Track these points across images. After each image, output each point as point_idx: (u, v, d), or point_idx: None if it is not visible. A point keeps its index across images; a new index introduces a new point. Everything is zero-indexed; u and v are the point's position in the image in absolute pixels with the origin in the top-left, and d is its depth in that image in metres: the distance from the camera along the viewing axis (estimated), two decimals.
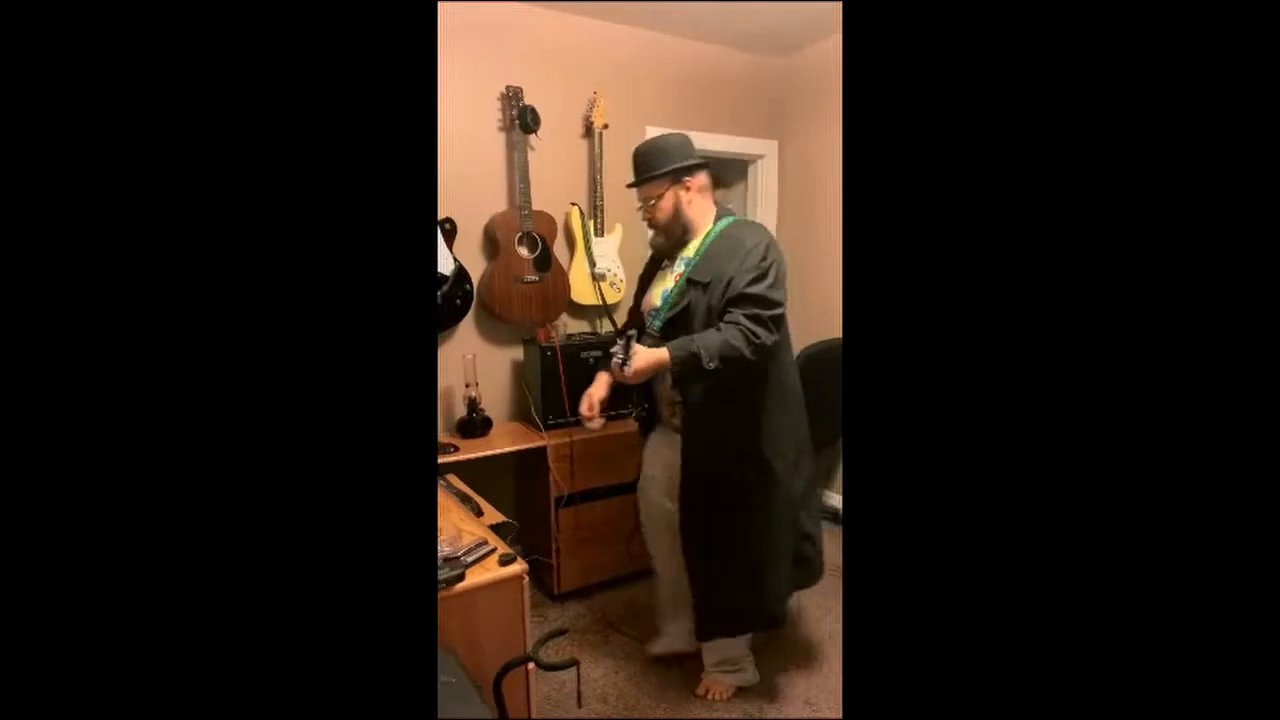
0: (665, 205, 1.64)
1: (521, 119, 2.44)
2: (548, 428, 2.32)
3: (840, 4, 2.11)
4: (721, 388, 1.56)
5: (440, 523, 1.57)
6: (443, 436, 2.39)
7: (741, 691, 1.89)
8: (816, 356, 2.73)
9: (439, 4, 2.29)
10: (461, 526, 1.55)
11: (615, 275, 2.68)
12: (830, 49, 2.96)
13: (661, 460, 1.76)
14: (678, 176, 1.63)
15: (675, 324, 1.60)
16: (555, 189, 2.62)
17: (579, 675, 1.87)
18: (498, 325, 2.55)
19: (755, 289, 1.52)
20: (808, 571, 1.82)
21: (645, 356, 1.48)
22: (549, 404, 2.33)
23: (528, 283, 2.48)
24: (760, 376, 1.62)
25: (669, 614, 1.98)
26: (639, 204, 1.72)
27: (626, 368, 1.43)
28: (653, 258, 1.81)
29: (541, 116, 2.48)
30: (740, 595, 1.70)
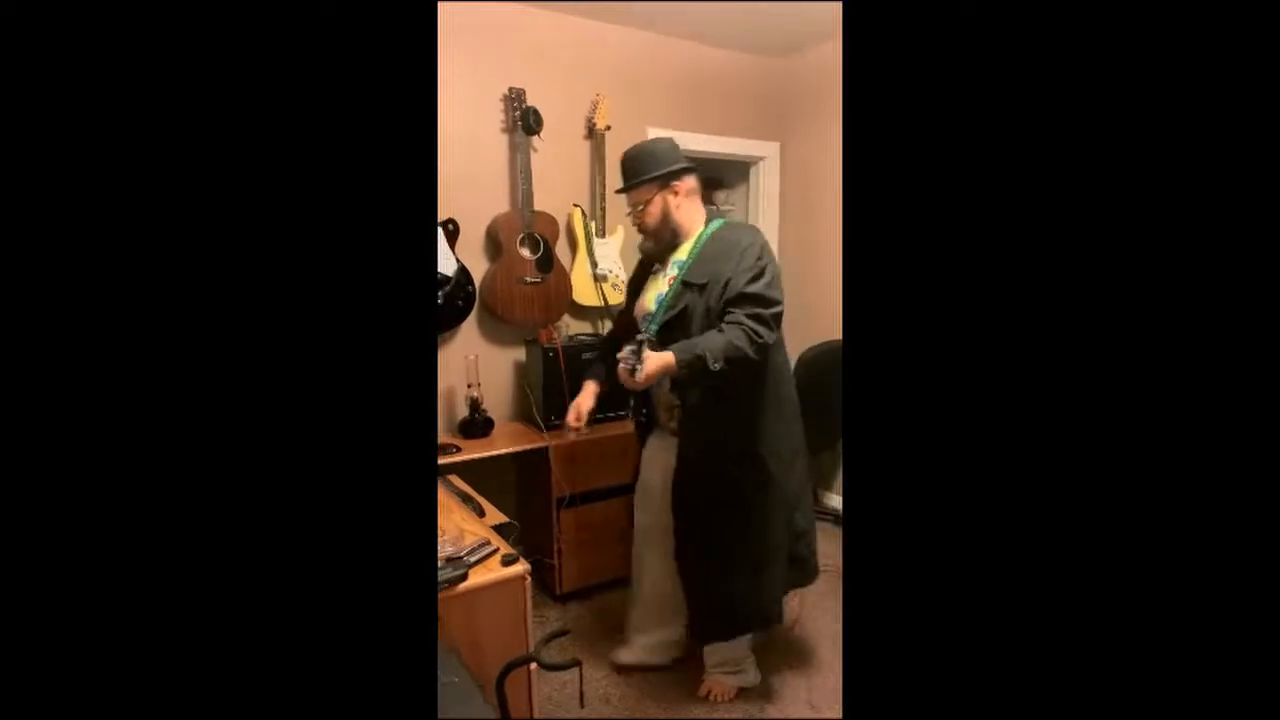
0: (654, 210, 1.65)
1: (524, 120, 2.44)
2: (549, 428, 2.32)
3: (841, 6, 2.11)
4: (720, 389, 1.56)
5: (443, 523, 1.57)
6: (445, 437, 2.39)
7: (743, 692, 1.89)
8: (818, 358, 2.74)
9: (441, 5, 2.30)
10: (464, 527, 1.55)
11: (617, 276, 2.68)
12: (832, 51, 2.96)
13: (660, 465, 1.76)
14: (665, 181, 1.64)
15: (672, 327, 1.60)
16: (557, 190, 2.62)
17: (581, 676, 1.87)
18: (500, 326, 2.55)
19: (754, 288, 1.53)
20: (803, 571, 1.82)
21: (654, 361, 1.48)
22: (551, 405, 2.34)
23: (530, 284, 2.49)
24: (757, 377, 1.62)
25: (643, 625, 1.97)
26: (628, 209, 1.73)
27: (638, 373, 1.41)
28: (642, 263, 1.81)
29: (544, 118, 2.49)
30: (738, 596, 1.70)
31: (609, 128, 2.66)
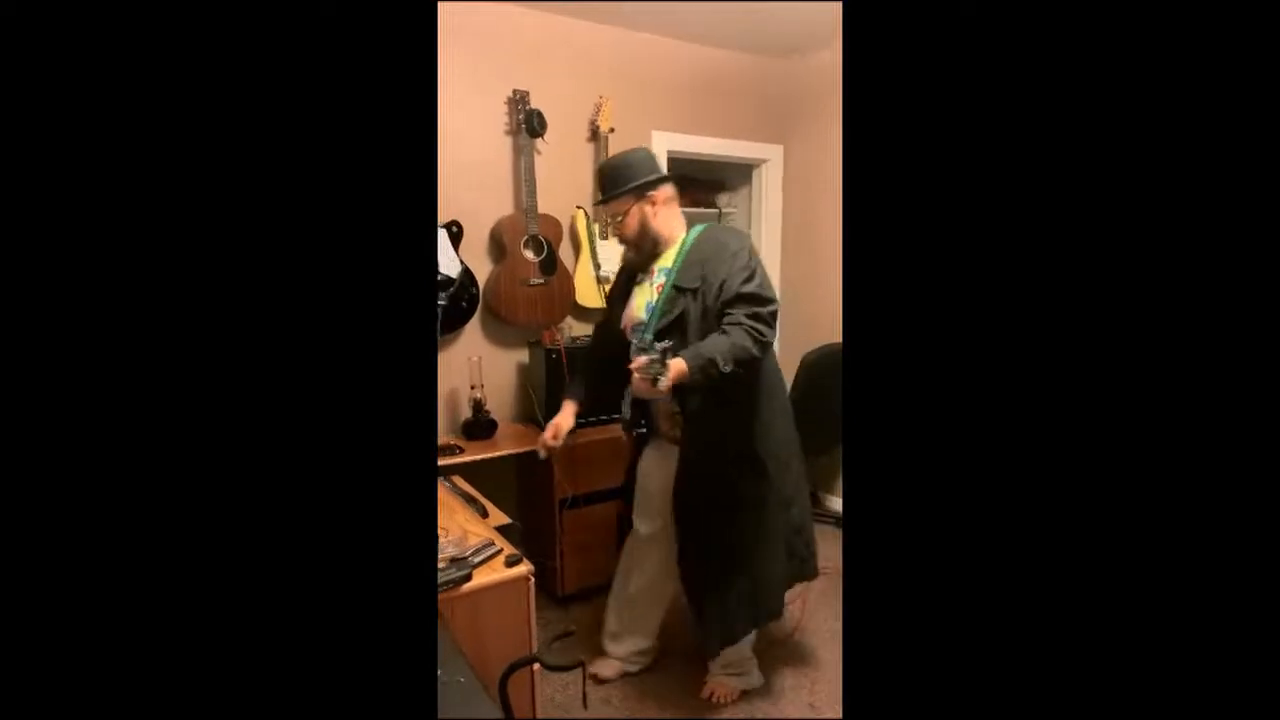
0: (632, 221, 1.65)
1: (528, 123, 2.45)
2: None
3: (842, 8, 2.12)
4: (720, 392, 1.56)
5: (447, 524, 1.58)
6: (448, 438, 2.40)
7: (745, 694, 1.90)
8: (819, 360, 2.74)
9: (445, 7, 2.31)
10: (467, 528, 1.56)
11: None
12: (835, 54, 2.97)
13: (660, 473, 1.76)
14: (642, 192, 1.64)
15: (668, 333, 1.60)
16: (561, 192, 2.63)
17: (584, 677, 1.87)
18: (503, 328, 2.56)
19: (749, 288, 1.54)
20: (804, 566, 1.84)
21: (672, 369, 1.46)
22: (554, 406, 2.32)
23: (533, 285, 2.49)
24: (753, 377, 1.63)
25: (625, 631, 1.98)
26: (608, 221, 1.73)
27: (661, 382, 1.38)
28: (623, 274, 1.81)
29: (548, 120, 2.50)
30: (742, 595, 1.71)
31: (612, 130, 2.67)
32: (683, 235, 1.68)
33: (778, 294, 3.34)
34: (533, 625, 1.38)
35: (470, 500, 1.80)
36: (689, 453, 1.65)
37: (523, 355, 2.64)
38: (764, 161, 3.26)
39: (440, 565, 1.32)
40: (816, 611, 2.33)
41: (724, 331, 1.50)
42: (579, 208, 2.64)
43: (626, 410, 1.78)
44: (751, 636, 1.86)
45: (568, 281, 2.60)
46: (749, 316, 1.51)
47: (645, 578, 1.90)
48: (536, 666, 1.32)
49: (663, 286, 1.64)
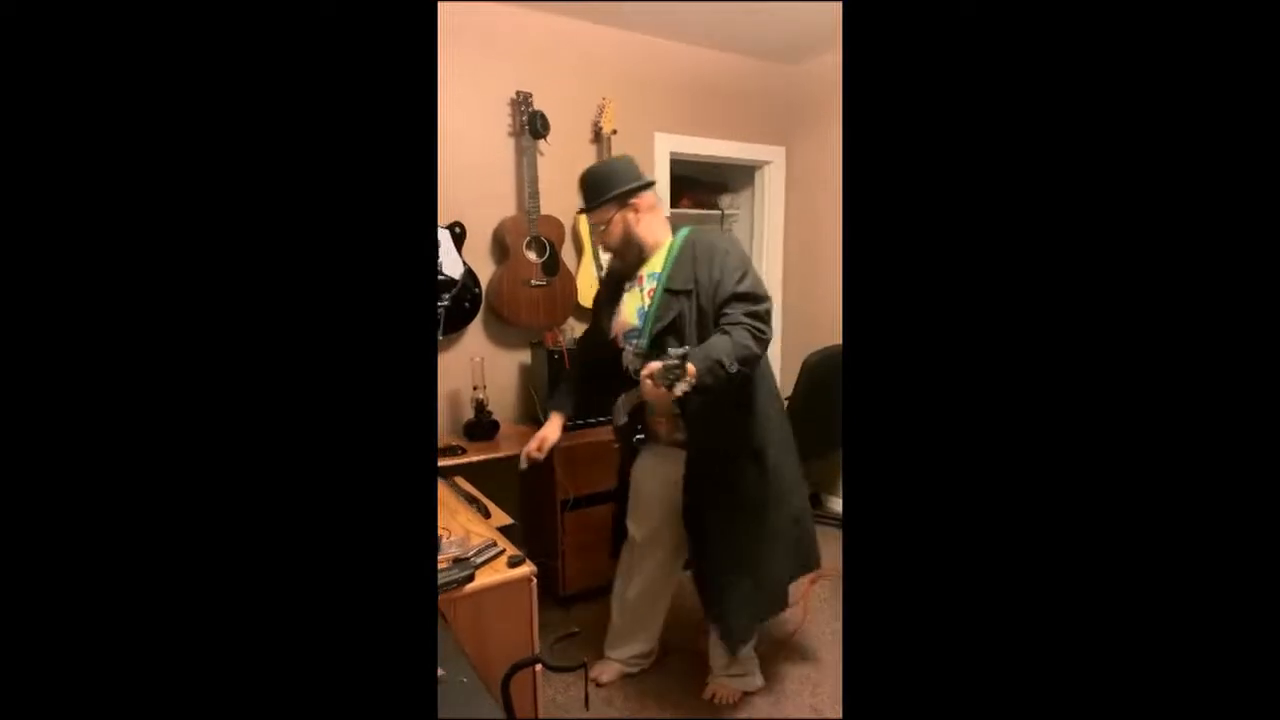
0: (615, 229, 1.65)
1: (531, 124, 2.46)
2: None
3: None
4: (720, 390, 1.56)
5: (449, 524, 1.58)
6: (450, 439, 2.40)
7: (747, 696, 1.89)
8: (822, 362, 2.74)
9: (448, 9, 2.32)
10: (470, 528, 1.56)
11: None
12: (837, 57, 2.97)
13: (660, 477, 1.76)
14: (624, 200, 1.63)
15: (664, 336, 1.59)
16: (564, 194, 2.63)
17: (587, 678, 1.87)
18: (506, 328, 2.56)
19: (744, 286, 1.55)
20: (808, 556, 1.85)
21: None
22: None
23: (536, 286, 2.50)
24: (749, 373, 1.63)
25: (625, 637, 1.98)
26: (591, 231, 1.74)
27: (680, 385, 1.36)
28: (609, 282, 1.80)
29: (551, 122, 2.50)
30: (754, 590, 1.72)
31: (615, 132, 2.67)
32: (668, 239, 1.68)
33: (779, 295, 3.37)
34: (535, 626, 1.38)
35: (472, 501, 1.80)
36: (695, 454, 1.65)
37: (525, 356, 2.64)
38: (767, 163, 3.26)
39: (443, 566, 1.32)
40: (818, 613, 2.33)
41: (725, 331, 1.50)
42: (581, 209, 2.65)
43: (621, 417, 1.76)
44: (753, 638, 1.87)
45: (570, 282, 2.60)
46: (747, 315, 1.52)
47: (644, 582, 1.90)
48: (539, 667, 1.32)
49: (654, 291, 1.64)
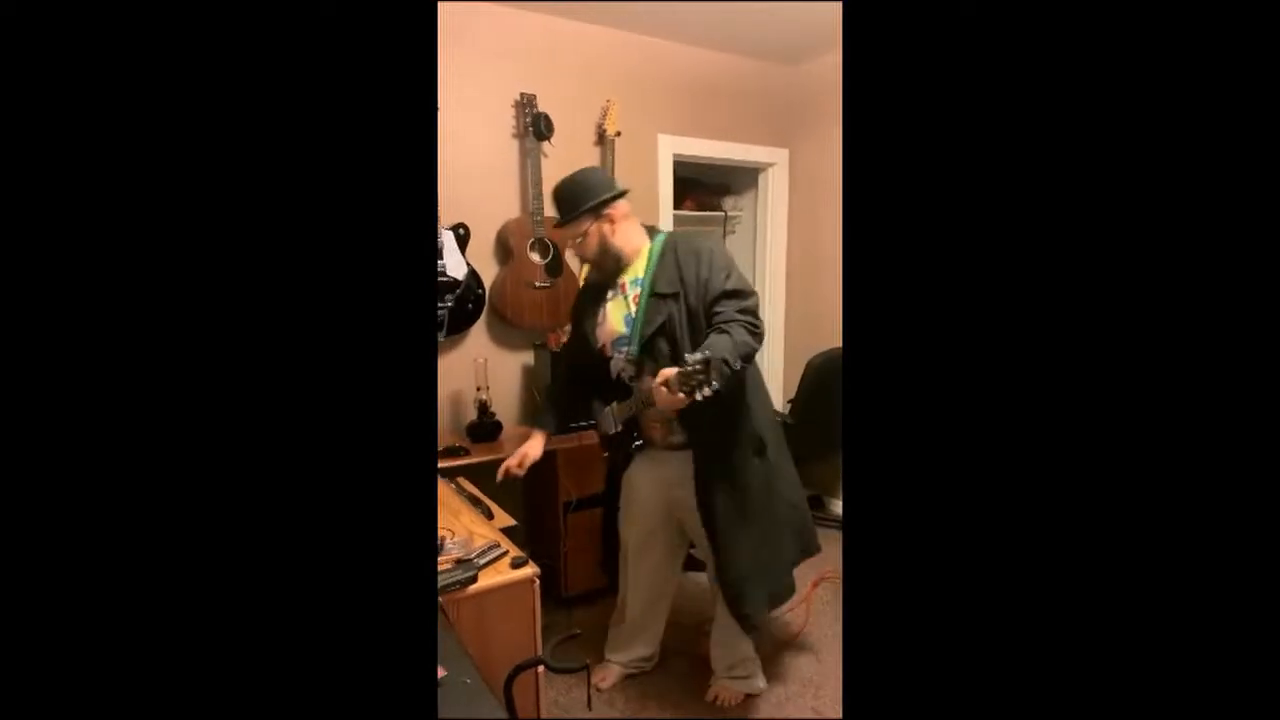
0: (591, 241, 1.64)
1: (535, 126, 2.46)
2: (557, 433, 2.33)
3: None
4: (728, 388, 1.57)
5: (453, 525, 1.58)
6: (453, 440, 2.40)
7: (749, 698, 1.90)
8: (824, 364, 2.74)
9: (453, 11, 2.32)
10: (473, 529, 1.56)
11: None
12: (840, 58, 2.97)
13: (656, 480, 1.76)
14: (598, 211, 1.63)
15: (655, 340, 1.59)
16: None
17: (589, 679, 1.88)
18: (509, 330, 2.57)
19: (732, 284, 1.56)
20: (810, 541, 1.86)
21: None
22: None
23: (539, 288, 2.50)
24: None
25: (627, 642, 1.99)
26: (568, 243, 1.73)
27: (704, 390, 1.34)
28: (588, 293, 1.79)
29: (555, 124, 2.51)
30: (769, 574, 1.73)
31: (619, 133, 2.67)
32: (646, 245, 1.68)
33: (782, 297, 3.37)
34: (538, 627, 1.38)
35: (475, 502, 1.80)
36: (700, 452, 1.65)
37: (528, 357, 2.65)
38: (770, 165, 3.26)
39: (446, 567, 1.32)
40: (820, 615, 2.33)
41: (722, 330, 1.50)
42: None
43: (611, 426, 1.74)
44: (753, 639, 1.87)
45: (573, 284, 2.60)
46: (740, 311, 1.53)
47: (643, 588, 1.91)
48: (541, 669, 1.32)
49: (639, 297, 1.63)
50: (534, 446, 1.80)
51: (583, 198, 1.62)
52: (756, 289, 3.35)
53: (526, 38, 2.52)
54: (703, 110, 2.97)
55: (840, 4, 2.42)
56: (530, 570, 1.36)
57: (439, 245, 2.31)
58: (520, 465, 1.76)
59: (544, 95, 2.51)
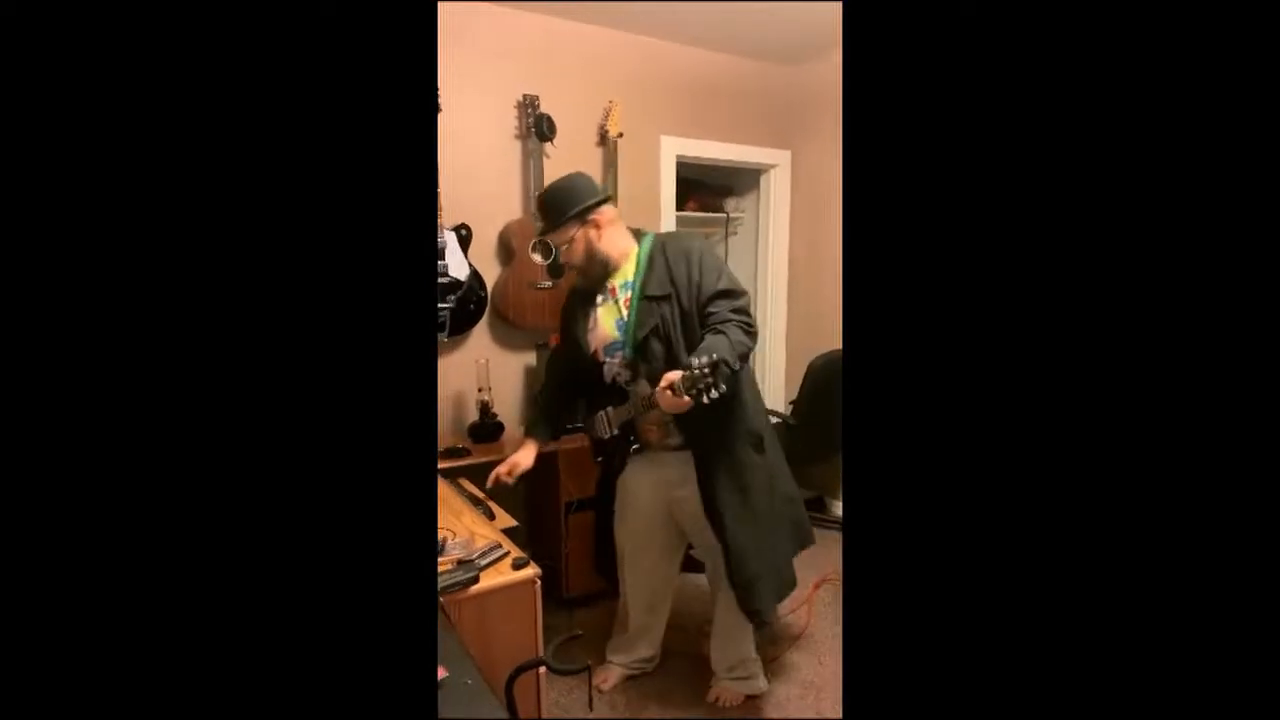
0: (578, 247, 1.64)
1: (537, 127, 2.47)
2: (571, 429, 2.32)
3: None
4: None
5: (454, 526, 1.59)
6: (455, 440, 2.40)
7: (750, 699, 1.89)
8: (826, 366, 2.74)
9: (455, 12, 2.33)
10: (474, 530, 1.56)
11: None
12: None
13: (654, 482, 1.76)
14: (584, 217, 1.63)
15: (649, 343, 1.59)
16: None
17: (590, 680, 1.88)
18: (511, 331, 2.57)
19: (724, 284, 1.56)
20: (806, 534, 1.86)
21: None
22: None
23: (541, 289, 2.50)
24: None
25: (629, 645, 1.99)
26: (554, 249, 1.73)
27: (711, 394, 1.35)
28: (577, 299, 1.78)
29: (557, 125, 2.51)
30: (774, 567, 1.73)
31: (621, 135, 2.68)
32: (634, 249, 1.67)
33: (784, 299, 3.37)
34: (539, 628, 1.39)
35: (477, 503, 1.80)
36: (701, 452, 1.65)
37: (530, 358, 2.65)
38: (772, 167, 3.26)
39: (448, 568, 1.33)
40: (822, 617, 2.32)
41: (718, 331, 1.50)
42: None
43: (606, 430, 1.73)
44: (754, 639, 1.88)
45: None
46: (733, 311, 1.53)
47: (643, 590, 1.91)
48: (542, 670, 1.32)
49: (630, 300, 1.63)
50: (525, 456, 1.80)
51: (568, 204, 1.62)
52: (759, 291, 3.41)
53: (529, 39, 2.53)
54: (705, 111, 2.97)
55: (841, 5, 2.43)
56: (531, 571, 1.36)
57: (441, 246, 2.31)
58: (510, 474, 1.76)
59: (546, 96, 2.51)
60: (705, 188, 3.53)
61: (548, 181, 2.46)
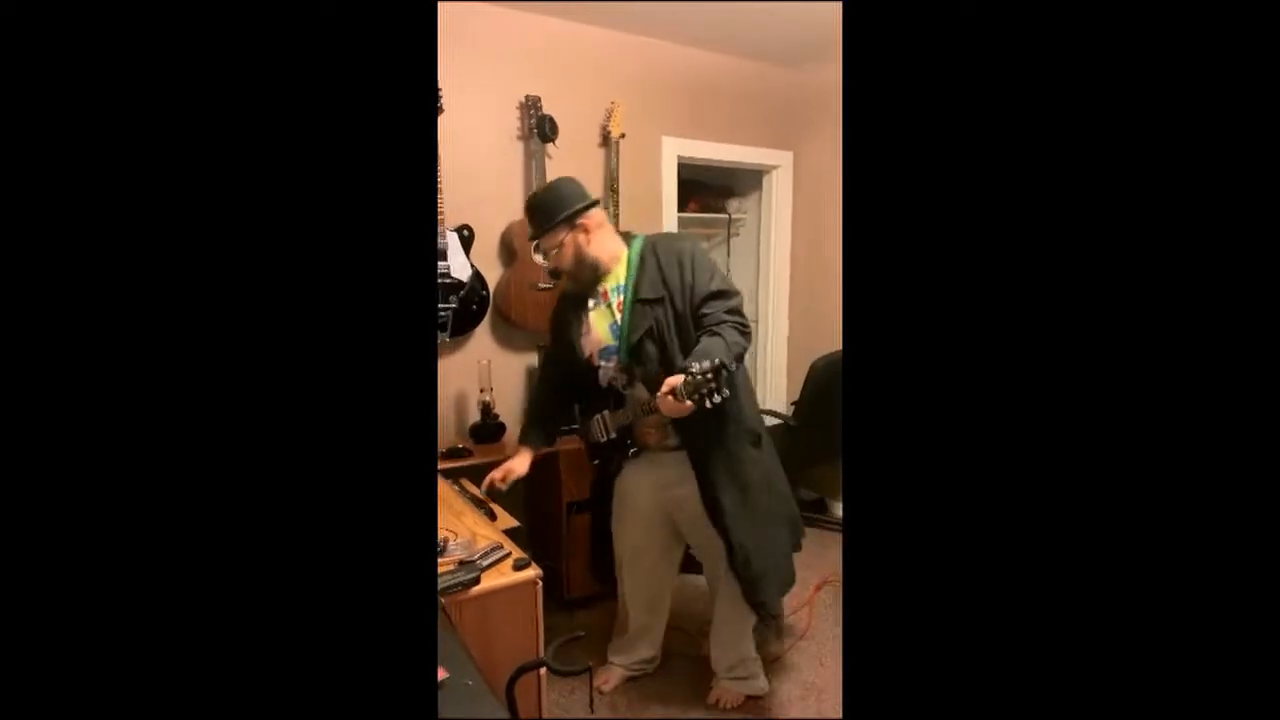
0: (567, 252, 1.64)
1: (540, 128, 2.47)
2: (560, 434, 2.33)
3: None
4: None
5: (456, 526, 1.59)
6: (457, 441, 2.40)
7: (751, 700, 1.89)
8: (828, 368, 2.74)
9: (458, 12, 2.33)
10: (476, 530, 1.56)
11: None
12: None
13: (652, 482, 1.76)
14: (572, 221, 1.62)
15: (644, 346, 1.59)
16: None
17: (591, 682, 1.88)
18: (513, 331, 2.57)
19: (716, 284, 1.56)
20: (797, 531, 1.87)
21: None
22: None
23: (543, 290, 2.50)
24: None
25: (630, 646, 1.99)
26: (542, 255, 1.71)
27: (715, 398, 1.36)
28: (568, 304, 1.77)
29: (559, 126, 2.51)
30: (776, 561, 1.74)
31: (623, 135, 2.68)
32: (624, 252, 1.67)
33: (786, 301, 3.37)
34: (540, 629, 1.39)
35: (478, 503, 1.80)
36: (700, 452, 1.65)
37: (532, 359, 2.65)
38: (774, 168, 3.26)
39: (449, 568, 1.33)
40: (823, 619, 2.32)
41: (714, 333, 1.51)
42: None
43: (603, 434, 1.73)
44: (753, 639, 1.88)
45: None
46: (728, 312, 1.54)
47: (642, 591, 1.91)
48: (543, 671, 1.32)
49: (623, 304, 1.63)
50: (520, 463, 1.80)
51: (556, 209, 1.62)
52: (761, 291, 3.41)
53: (532, 40, 2.53)
54: (707, 112, 2.97)
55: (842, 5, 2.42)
56: (533, 572, 1.37)
57: (443, 247, 2.31)
58: (504, 480, 1.76)
59: (549, 97, 2.51)
60: (707, 189, 3.53)
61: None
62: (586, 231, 1.63)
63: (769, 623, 1.79)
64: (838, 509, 3.17)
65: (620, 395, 1.67)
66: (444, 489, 1.89)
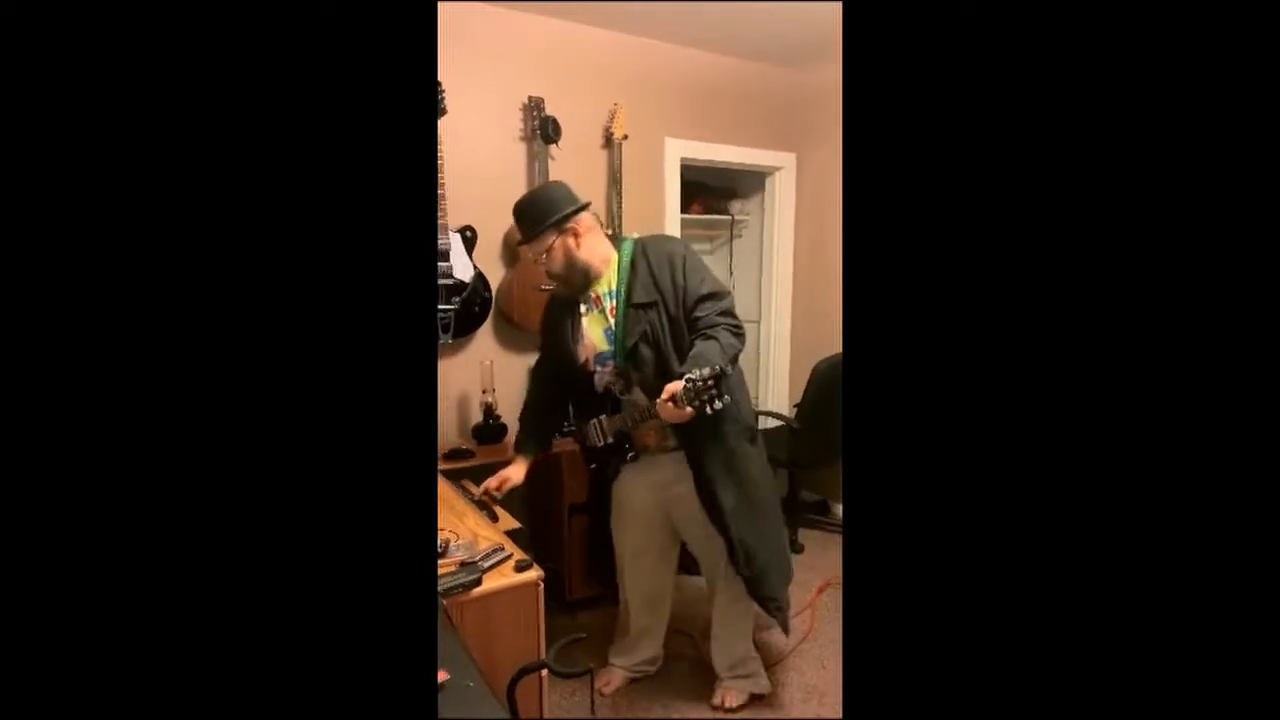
0: (557, 256, 1.63)
1: (543, 129, 2.47)
2: (562, 435, 2.33)
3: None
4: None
5: (457, 527, 1.59)
6: (459, 442, 2.41)
7: (753, 699, 1.90)
8: (831, 369, 2.74)
9: (460, 13, 2.33)
10: (477, 532, 1.56)
11: None
12: None
13: (650, 484, 1.76)
14: (562, 225, 1.61)
15: (640, 350, 1.59)
16: None
17: (593, 683, 1.88)
18: (515, 332, 2.57)
19: (708, 287, 1.57)
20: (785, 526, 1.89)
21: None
22: None
23: (546, 291, 2.50)
24: None
25: (631, 648, 1.99)
26: (533, 259, 1.71)
27: (716, 404, 1.37)
28: (559, 309, 1.77)
29: (562, 127, 2.51)
30: (778, 557, 1.74)
31: (626, 137, 2.68)
32: (614, 255, 1.67)
33: (789, 302, 3.37)
34: (542, 630, 1.38)
35: (481, 505, 1.80)
36: (698, 450, 1.64)
37: (534, 360, 2.65)
38: (777, 169, 3.26)
39: (451, 569, 1.33)
40: (824, 620, 2.32)
41: (709, 336, 1.51)
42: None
43: (601, 439, 1.72)
44: (753, 639, 1.88)
45: None
46: (720, 314, 1.54)
47: (643, 591, 1.91)
48: (545, 672, 1.32)
49: (615, 309, 1.63)
50: (516, 471, 1.80)
51: (545, 213, 1.61)
52: (763, 293, 3.41)
53: (534, 41, 2.53)
54: (710, 114, 2.97)
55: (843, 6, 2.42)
56: (534, 573, 1.36)
57: (446, 248, 2.32)
58: (500, 488, 1.77)
59: (551, 98, 2.51)
60: (710, 190, 3.53)
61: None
62: (576, 235, 1.62)
63: (777, 616, 1.78)
64: (840, 510, 3.16)
65: (616, 399, 1.67)
66: (446, 490, 1.89)
